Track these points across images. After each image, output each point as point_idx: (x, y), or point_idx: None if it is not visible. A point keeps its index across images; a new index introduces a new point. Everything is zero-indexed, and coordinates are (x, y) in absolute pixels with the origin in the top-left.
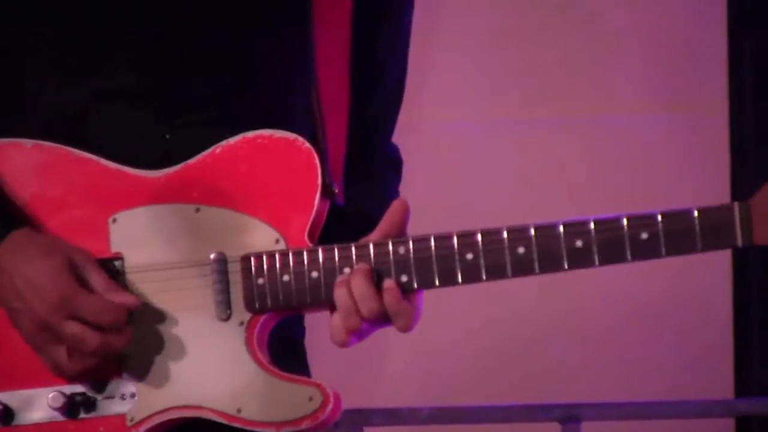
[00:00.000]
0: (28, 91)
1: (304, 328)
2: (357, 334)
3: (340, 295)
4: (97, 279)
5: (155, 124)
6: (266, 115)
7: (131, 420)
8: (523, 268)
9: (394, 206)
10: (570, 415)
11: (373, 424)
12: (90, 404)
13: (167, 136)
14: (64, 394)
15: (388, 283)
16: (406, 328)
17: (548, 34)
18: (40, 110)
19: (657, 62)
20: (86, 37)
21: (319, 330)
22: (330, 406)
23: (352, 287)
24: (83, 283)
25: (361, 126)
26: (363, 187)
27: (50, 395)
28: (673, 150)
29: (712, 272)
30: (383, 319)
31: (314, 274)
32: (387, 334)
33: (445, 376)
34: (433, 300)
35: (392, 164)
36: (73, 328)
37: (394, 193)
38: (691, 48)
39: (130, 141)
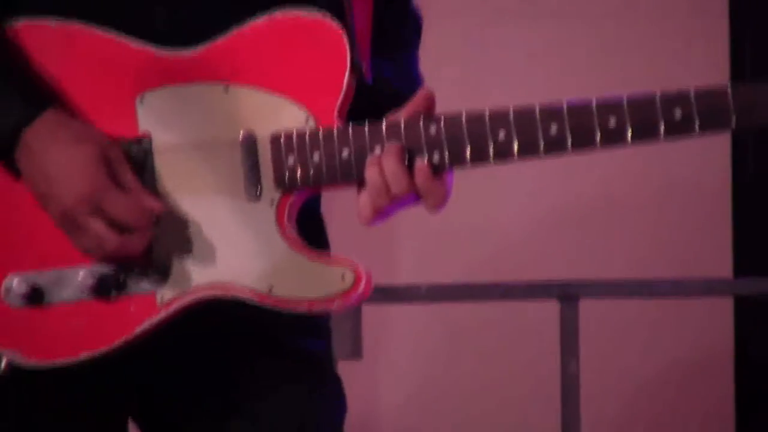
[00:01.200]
0: None
1: (320, 198)
2: (383, 213)
3: (371, 174)
4: (126, 177)
5: (178, 1)
6: None
7: (161, 299)
8: (556, 147)
9: (420, 95)
10: (568, 293)
11: (371, 302)
12: (120, 283)
13: (192, 12)
14: (94, 273)
15: (420, 163)
16: (436, 208)
17: None
18: None
19: None
20: None
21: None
22: (363, 285)
23: (384, 166)
24: (113, 179)
25: None
26: (391, 58)
27: (80, 274)
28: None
29: (710, 154)
30: (411, 199)
31: (344, 152)
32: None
33: (444, 255)
34: None
35: (415, 22)
36: (95, 225)
37: (417, 60)
38: None
39: (154, 17)
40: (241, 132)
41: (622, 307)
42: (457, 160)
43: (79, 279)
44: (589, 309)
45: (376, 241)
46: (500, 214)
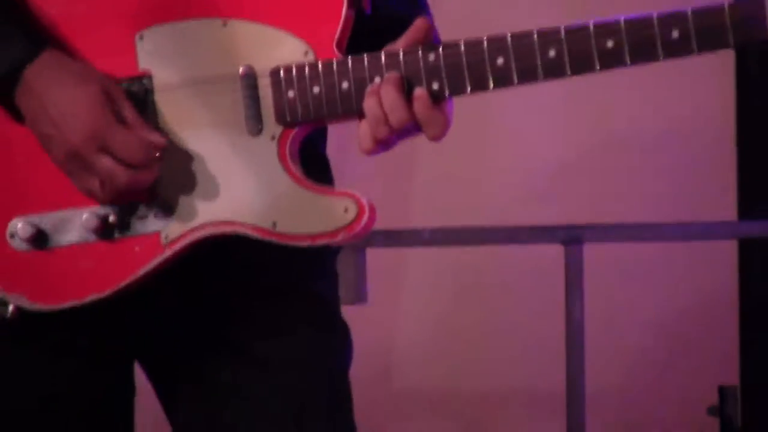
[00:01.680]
0: None
1: (326, 139)
2: (384, 143)
3: (370, 104)
4: (129, 114)
5: None
6: None
7: (166, 238)
8: (555, 71)
9: (416, 26)
10: (573, 236)
11: (374, 245)
12: (124, 224)
13: None
14: (97, 215)
15: (419, 91)
16: (437, 137)
17: None
18: None
19: None
20: None
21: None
22: (366, 217)
23: (382, 96)
24: (117, 117)
25: None
26: None
27: (84, 216)
28: None
29: (714, 96)
30: (412, 128)
31: (344, 84)
32: (387, 156)
33: (446, 199)
34: None
35: None
36: (104, 161)
37: None
38: None
39: None
40: (241, 67)
41: (626, 250)
42: (457, 87)
43: (83, 221)
44: (593, 252)
45: (381, 185)
46: (504, 158)
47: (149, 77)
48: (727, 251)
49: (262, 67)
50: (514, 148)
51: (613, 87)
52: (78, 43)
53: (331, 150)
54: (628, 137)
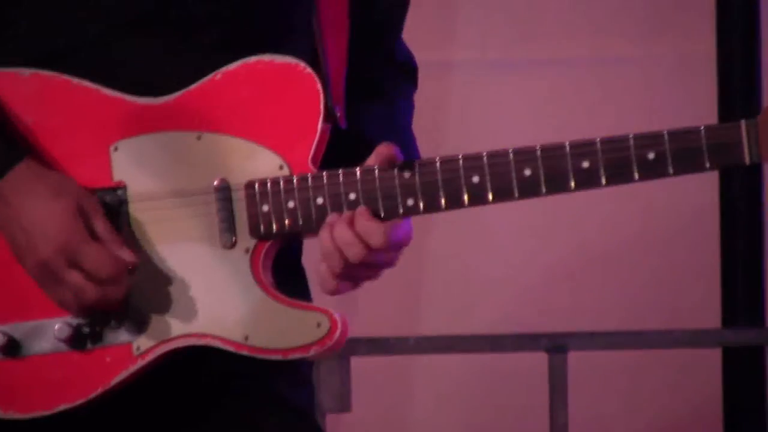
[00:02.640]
0: (22, 18)
1: (301, 248)
2: (347, 278)
3: (323, 236)
4: (102, 229)
5: (156, 50)
6: (267, 37)
7: (137, 349)
8: (530, 190)
9: (378, 152)
10: (557, 344)
11: (359, 354)
12: (96, 334)
13: (168, 61)
14: (70, 325)
15: (360, 209)
16: (379, 247)
17: None
18: (42, 38)
19: None
20: None
21: (309, 260)
22: (338, 333)
23: (335, 234)
24: (89, 231)
25: (365, 35)
26: (370, 106)
27: (56, 326)
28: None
29: (699, 206)
30: (374, 262)
31: (319, 199)
32: None
33: (432, 306)
34: (416, 231)
35: (404, 72)
36: (73, 276)
37: (405, 109)
38: None
39: (131, 67)
40: (215, 180)
41: (611, 357)
42: (432, 204)
43: (55, 331)
44: (577, 359)
45: (363, 294)
46: (488, 266)
47: (123, 188)
48: (712, 359)
49: (237, 180)
50: (498, 257)
51: (598, 194)
52: (53, 151)
53: (311, 260)
54: (612, 246)
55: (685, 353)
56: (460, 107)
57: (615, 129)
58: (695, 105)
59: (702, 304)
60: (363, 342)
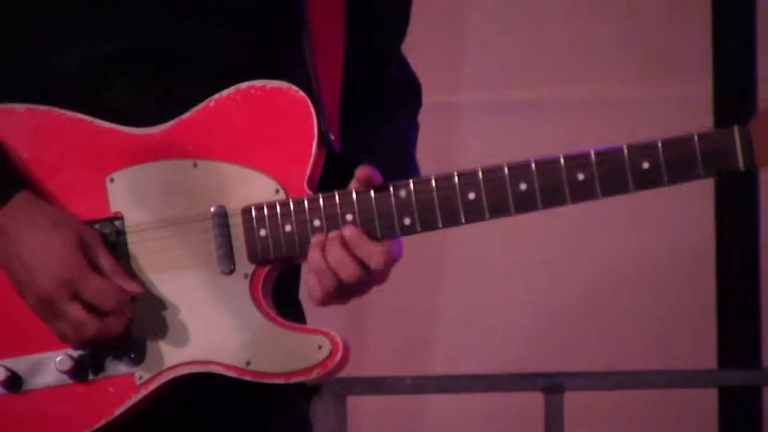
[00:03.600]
0: (18, 53)
1: (298, 284)
2: (336, 296)
3: (313, 257)
4: (104, 261)
5: (150, 80)
6: (261, 64)
7: (140, 378)
8: (526, 204)
9: (357, 176)
10: (553, 384)
11: (356, 393)
12: (98, 365)
13: (163, 92)
14: (71, 357)
15: (353, 229)
16: (379, 266)
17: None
18: (31, 74)
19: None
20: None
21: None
22: (339, 355)
23: (327, 254)
24: (91, 264)
25: (363, 56)
26: (368, 128)
27: (58, 359)
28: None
29: (695, 244)
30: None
31: (316, 222)
32: (369, 303)
33: (429, 346)
34: (414, 270)
35: (406, 90)
36: (74, 311)
37: (405, 128)
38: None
39: (125, 99)
40: (212, 207)
41: (607, 397)
42: (429, 223)
43: (57, 363)
44: (574, 399)
45: (360, 333)
46: (484, 306)
47: (121, 219)
48: (708, 399)
49: (234, 206)
50: (494, 297)
51: (595, 235)
52: (51, 185)
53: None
54: (608, 286)
55: (682, 393)
56: (462, 150)
57: None
58: None
59: (698, 344)
60: (360, 381)
